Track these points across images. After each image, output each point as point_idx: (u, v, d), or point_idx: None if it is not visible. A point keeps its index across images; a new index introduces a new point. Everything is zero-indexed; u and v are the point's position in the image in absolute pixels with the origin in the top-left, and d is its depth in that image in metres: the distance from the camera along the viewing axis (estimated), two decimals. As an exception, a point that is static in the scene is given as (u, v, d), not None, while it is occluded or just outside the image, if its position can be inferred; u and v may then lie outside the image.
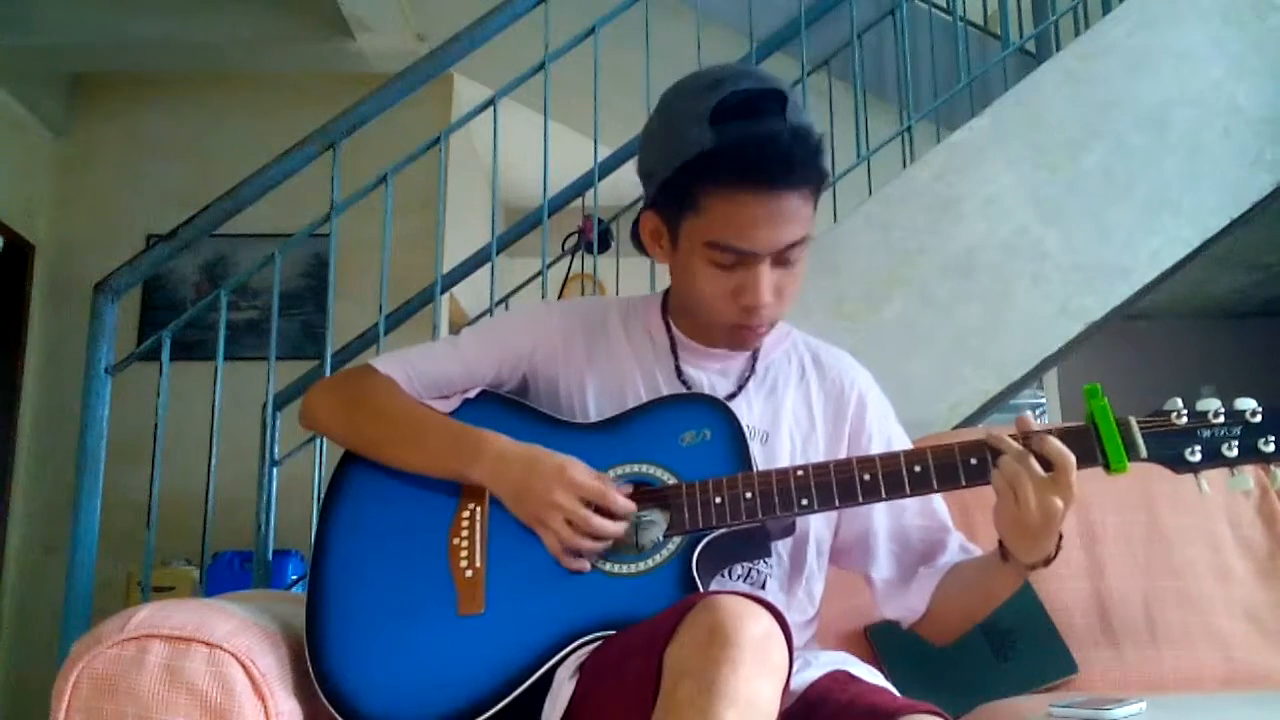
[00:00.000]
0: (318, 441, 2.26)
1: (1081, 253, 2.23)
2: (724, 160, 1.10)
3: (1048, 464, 1.06)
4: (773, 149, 1.10)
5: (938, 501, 1.30)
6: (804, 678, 1.11)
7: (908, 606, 1.26)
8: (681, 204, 1.15)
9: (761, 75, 1.18)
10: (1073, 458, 1.05)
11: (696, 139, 1.11)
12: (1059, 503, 1.05)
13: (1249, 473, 1.10)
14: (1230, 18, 2.33)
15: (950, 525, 1.30)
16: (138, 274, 2.30)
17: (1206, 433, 1.10)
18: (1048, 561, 1.13)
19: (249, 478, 2.26)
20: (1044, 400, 5.39)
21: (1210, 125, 2.28)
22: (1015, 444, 1.07)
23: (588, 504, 1.12)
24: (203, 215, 2.27)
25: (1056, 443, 1.06)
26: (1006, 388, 2.21)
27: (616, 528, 1.12)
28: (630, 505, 1.13)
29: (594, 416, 1.26)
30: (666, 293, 1.34)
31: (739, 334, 1.22)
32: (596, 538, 1.12)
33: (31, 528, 4.10)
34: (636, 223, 1.29)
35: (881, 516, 1.28)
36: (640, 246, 1.32)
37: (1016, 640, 1.64)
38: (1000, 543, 1.14)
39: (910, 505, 1.28)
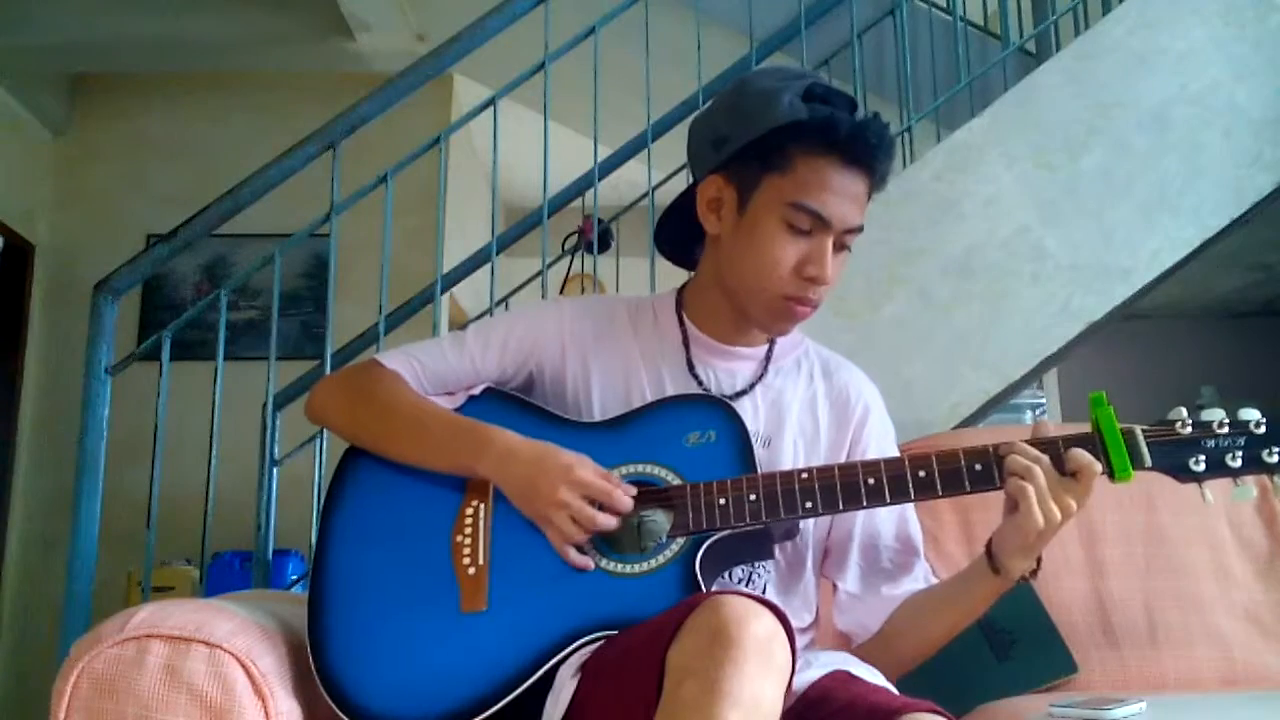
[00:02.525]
0: (318, 441, 2.26)
1: (1081, 253, 2.22)
2: (821, 128, 1.16)
3: (1071, 470, 1.08)
4: (865, 133, 1.17)
5: (914, 527, 1.31)
6: (805, 677, 1.11)
7: (860, 622, 1.27)
8: (767, 163, 1.19)
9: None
10: (1098, 466, 1.07)
11: (791, 108, 1.17)
12: (1074, 506, 1.08)
13: (1252, 483, 1.11)
14: (1230, 18, 2.33)
15: (920, 552, 1.31)
16: (138, 274, 2.30)
17: (1210, 443, 1.10)
18: (1033, 574, 1.15)
19: (249, 478, 2.25)
20: (1044, 400, 5.39)
21: (1210, 125, 2.28)
22: (1032, 450, 1.08)
23: (593, 502, 1.12)
24: (203, 215, 2.27)
25: (1081, 453, 1.08)
26: (1006, 388, 2.21)
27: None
28: (630, 502, 1.13)
29: (599, 415, 1.26)
30: (681, 290, 1.34)
31: (786, 309, 1.21)
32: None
33: (31, 527, 4.10)
34: (672, 209, 1.29)
35: (858, 529, 1.28)
36: (662, 239, 1.34)
37: (1016, 640, 1.64)
38: (989, 555, 1.15)
39: (886, 525, 1.29)
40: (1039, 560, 1.14)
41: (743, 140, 1.20)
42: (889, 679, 1.26)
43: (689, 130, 1.31)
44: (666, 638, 0.91)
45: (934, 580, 1.29)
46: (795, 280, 1.19)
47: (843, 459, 1.29)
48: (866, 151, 1.17)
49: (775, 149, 1.18)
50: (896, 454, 1.33)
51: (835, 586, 1.30)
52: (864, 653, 1.28)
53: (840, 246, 1.20)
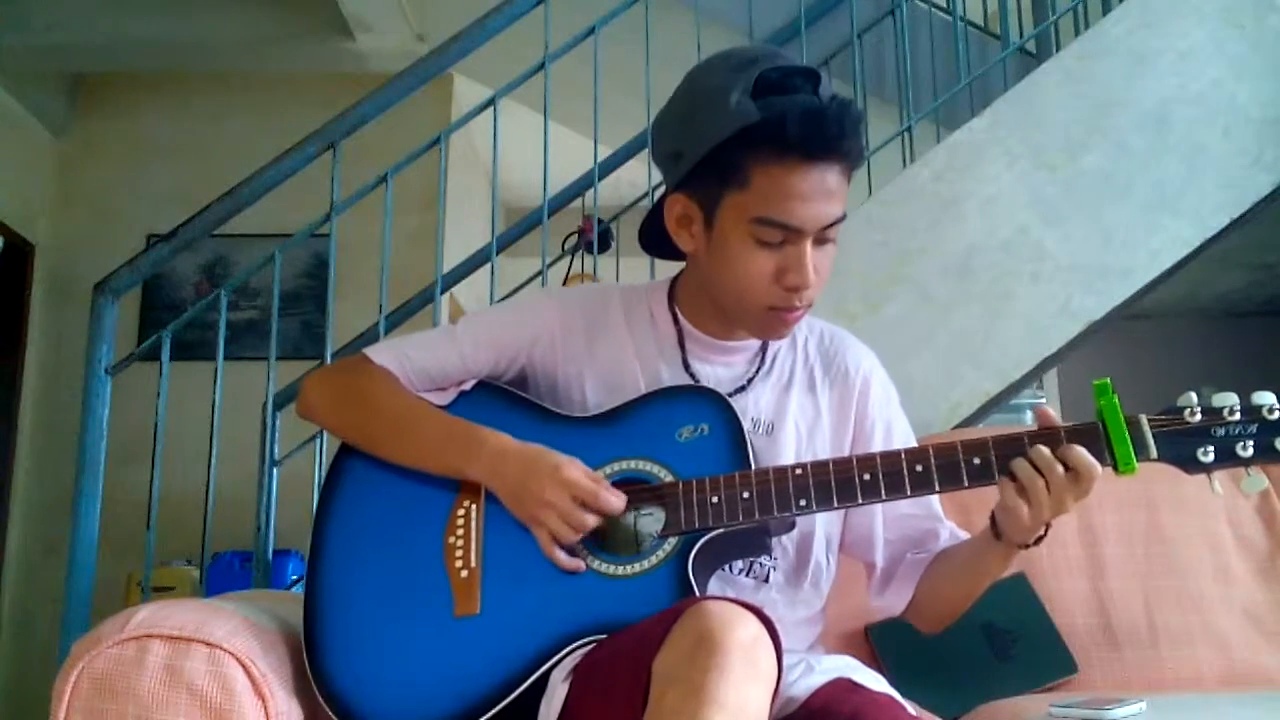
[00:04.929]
0: (318, 442, 2.26)
1: (1081, 253, 2.22)
2: (772, 132, 1.08)
3: (1069, 468, 1.05)
4: (820, 121, 1.08)
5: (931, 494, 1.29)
6: (807, 683, 1.09)
7: (895, 593, 1.27)
8: (724, 179, 1.12)
9: (790, 56, 1.17)
10: (1099, 469, 1.04)
11: (740, 112, 1.09)
12: (1072, 504, 1.06)
13: (1262, 472, 1.07)
14: (1230, 18, 2.33)
15: (942, 516, 1.29)
16: (138, 274, 2.30)
17: (1220, 431, 1.05)
18: (1037, 541, 1.14)
19: (249, 478, 2.26)
20: (1044, 400, 5.39)
21: (1210, 125, 2.28)
22: (1044, 451, 1.06)
23: (582, 504, 1.11)
24: (203, 215, 2.27)
25: (1083, 453, 1.05)
26: (1006, 388, 2.21)
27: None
28: (621, 506, 1.12)
29: (592, 409, 1.24)
30: (673, 281, 1.32)
31: (774, 319, 1.18)
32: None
33: (31, 527, 4.10)
34: (653, 214, 1.26)
35: (879, 505, 1.27)
36: (648, 243, 1.30)
37: (1016, 640, 1.64)
38: (992, 522, 1.14)
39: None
40: (1047, 527, 1.12)
41: (696, 156, 1.13)
42: (931, 634, 1.27)
43: (651, 129, 1.26)
44: (653, 645, 0.90)
45: (962, 538, 1.27)
46: (776, 291, 1.15)
47: (848, 436, 1.27)
48: (826, 142, 1.09)
49: (729, 164, 1.11)
50: (901, 415, 1.32)
51: (871, 566, 1.29)
52: (907, 618, 1.29)
53: (822, 241, 1.15)
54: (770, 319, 1.18)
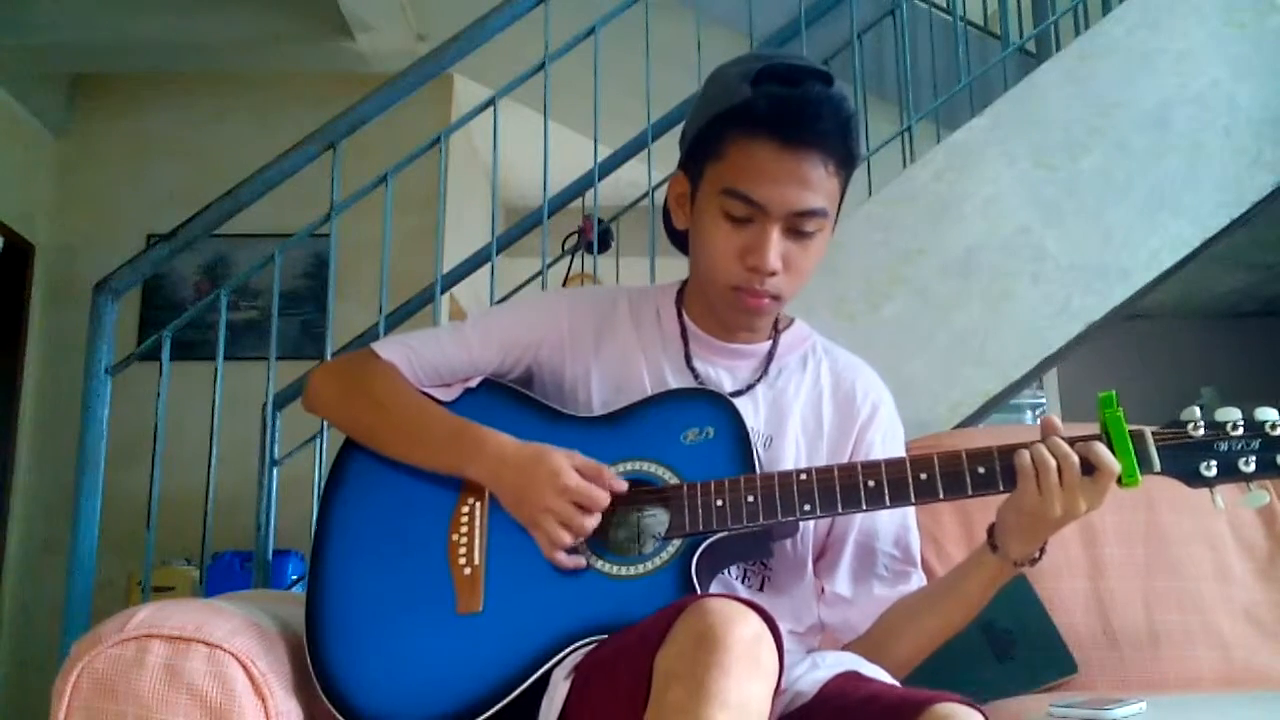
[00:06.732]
0: (318, 441, 2.26)
1: (1081, 253, 2.22)
2: (753, 110, 1.12)
3: (1089, 467, 1.05)
4: (801, 106, 1.11)
5: (914, 537, 1.28)
6: (814, 677, 1.09)
7: (847, 620, 1.24)
8: (706, 153, 1.17)
9: (811, 62, 1.21)
10: (1117, 466, 1.04)
11: (734, 94, 1.14)
12: (1084, 506, 1.05)
13: (1265, 488, 1.07)
14: (1230, 18, 2.33)
15: (919, 564, 1.27)
16: (138, 274, 2.30)
17: (1223, 446, 1.06)
18: (1033, 562, 1.13)
19: (249, 478, 2.25)
20: (1044, 400, 5.39)
21: (1210, 125, 2.28)
22: (1063, 444, 1.06)
23: (582, 508, 1.11)
24: (203, 215, 2.27)
25: (1102, 449, 1.05)
26: (1006, 388, 2.21)
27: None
28: (607, 501, 1.12)
29: (598, 408, 1.24)
30: (684, 284, 1.33)
31: (738, 301, 1.19)
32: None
33: (31, 527, 4.10)
34: (667, 204, 1.29)
35: (854, 533, 1.25)
36: (672, 233, 1.31)
37: (1016, 640, 1.64)
38: (990, 537, 1.13)
39: (885, 530, 1.26)
40: (1042, 549, 1.12)
41: (691, 134, 1.20)
42: None
43: None
44: (654, 642, 0.90)
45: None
46: (739, 270, 1.16)
47: (844, 459, 1.26)
48: (798, 127, 1.11)
49: (712, 138, 1.16)
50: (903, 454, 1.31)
51: (822, 588, 1.27)
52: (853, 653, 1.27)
53: (798, 233, 1.15)
54: (734, 300, 1.19)
